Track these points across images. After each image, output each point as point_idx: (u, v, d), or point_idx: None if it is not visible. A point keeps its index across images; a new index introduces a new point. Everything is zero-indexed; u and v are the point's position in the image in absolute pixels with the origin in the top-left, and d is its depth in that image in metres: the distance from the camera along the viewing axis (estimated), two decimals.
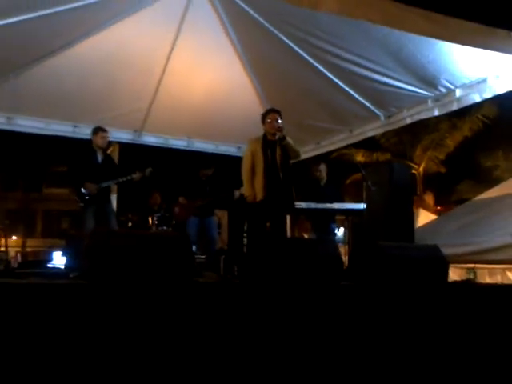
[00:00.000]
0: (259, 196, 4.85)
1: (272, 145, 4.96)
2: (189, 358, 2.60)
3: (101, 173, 5.71)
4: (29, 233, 31.41)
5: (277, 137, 4.93)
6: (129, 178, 5.78)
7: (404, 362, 3.25)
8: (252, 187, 4.90)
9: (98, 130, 5.83)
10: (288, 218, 7.76)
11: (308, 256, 3.49)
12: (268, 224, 4.84)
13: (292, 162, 7.98)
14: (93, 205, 5.57)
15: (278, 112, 5.04)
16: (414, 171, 16.95)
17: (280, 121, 4.93)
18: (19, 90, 6.27)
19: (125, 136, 7.68)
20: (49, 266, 7.74)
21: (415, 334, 3.38)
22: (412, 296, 3.49)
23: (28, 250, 25.02)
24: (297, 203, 5.28)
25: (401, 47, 5.20)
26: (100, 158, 5.83)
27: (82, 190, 5.55)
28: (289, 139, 4.96)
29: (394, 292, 3.44)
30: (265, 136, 5.02)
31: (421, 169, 17.89)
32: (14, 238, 30.52)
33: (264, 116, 5.04)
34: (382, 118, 6.62)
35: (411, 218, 6.13)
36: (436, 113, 6.01)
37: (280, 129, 4.87)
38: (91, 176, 5.62)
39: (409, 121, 6.38)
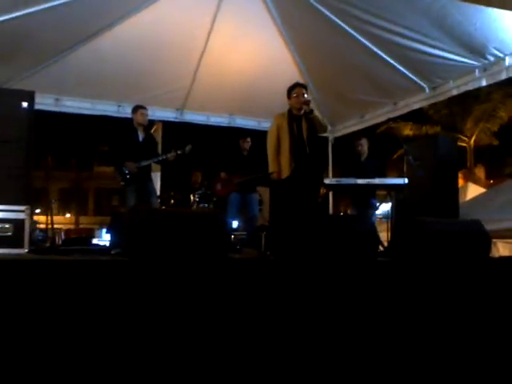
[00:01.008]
0: (285, 173, 4.78)
1: (298, 119, 4.89)
2: (222, 332, 2.67)
3: (141, 151, 5.82)
4: (82, 210, 32.60)
5: (302, 111, 4.86)
6: (164, 157, 5.87)
7: (445, 340, 3.22)
8: (278, 164, 4.86)
9: (137, 107, 5.92)
10: (330, 194, 7.78)
11: (343, 232, 3.48)
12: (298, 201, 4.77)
13: (332, 137, 7.93)
14: (134, 183, 5.69)
15: (303, 86, 4.96)
16: (464, 144, 16.46)
17: (306, 95, 4.86)
18: (65, 72, 6.45)
19: (168, 115, 7.80)
20: (92, 243, 8.03)
21: (455, 311, 3.33)
22: (451, 272, 3.43)
23: (81, 226, 25.95)
24: (336, 179, 5.23)
25: (445, 15, 5.03)
26: (141, 136, 5.93)
27: (123, 169, 5.69)
28: (316, 113, 4.89)
29: (432, 268, 3.40)
30: (290, 111, 4.94)
31: (472, 141, 17.33)
32: (68, 215, 31.77)
33: (290, 90, 4.95)
34: (427, 89, 6.43)
35: (456, 193, 5.98)
36: (484, 83, 5.78)
37: (307, 102, 4.79)
38: (132, 155, 5.73)
39: (455, 92, 6.17)
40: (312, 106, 4.89)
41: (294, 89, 4.91)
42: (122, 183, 5.70)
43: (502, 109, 16.53)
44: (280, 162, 4.84)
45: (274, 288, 2.87)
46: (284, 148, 4.84)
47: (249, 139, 6.62)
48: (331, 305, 2.98)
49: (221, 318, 2.71)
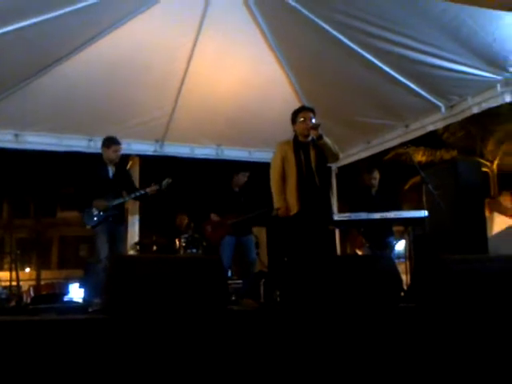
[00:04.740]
0: (294, 209, 4.81)
1: (305, 147, 4.97)
2: None
3: (112, 189, 5.82)
4: (43, 264, 32.14)
5: (310, 138, 4.94)
6: (142, 192, 5.86)
7: None
8: (284, 199, 4.88)
9: (110, 142, 5.89)
10: (337, 232, 7.79)
11: (360, 275, 3.48)
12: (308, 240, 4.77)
13: (335, 166, 7.96)
14: (105, 227, 5.68)
15: (311, 110, 5.06)
16: (485, 169, 16.60)
17: (314, 120, 4.94)
18: (27, 104, 6.48)
19: (145, 148, 7.84)
20: (65, 300, 7.93)
21: (489, 363, 3.32)
22: (485, 317, 3.43)
23: (42, 283, 25.58)
24: (346, 214, 5.27)
25: (460, 25, 5.12)
26: (112, 172, 5.92)
27: (91, 210, 5.67)
28: (326, 138, 4.94)
29: (462, 314, 3.40)
30: (296, 138, 5.03)
31: (494, 166, 17.49)
32: (27, 270, 31.32)
33: (295, 115, 5.04)
34: (443, 109, 6.53)
35: (483, 225, 6.02)
36: (507, 99, 5.87)
37: (315, 127, 4.86)
38: (101, 194, 5.72)
39: (475, 110, 6.26)
40: (321, 130, 4.92)
41: (300, 112, 5.00)
42: (88, 226, 5.67)
43: None
44: (286, 197, 4.86)
45: (284, 344, 2.85)
46: (290, 181, 4.89)
47: (247, 174, 6.63)
48: (348, 360, 2.96)
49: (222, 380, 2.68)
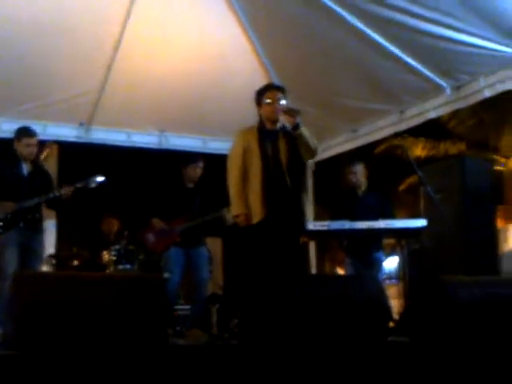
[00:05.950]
0: (257, 215, 4.76)
1: (273, 136, 4.93)
2: None
3: (26, 189, 5.75)
4: None
5: (279, 125, 4.93)
6: (53, 194, 5.76)
7: None
8: (244, 203, 4.85)
9: (20, 134, 5.85)
10: (312, 245, 7.82)
11: (339, 300, 3.52)
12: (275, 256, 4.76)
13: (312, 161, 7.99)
14: (14, 235, 5.62)
15: (280, 89, 5.05)
16: (500, 168, 16.88)
17: (284, 101, 4.93)
18: None
19: (66, 132, 7.77)
20: None
21: None
22: (497, 358, 3.50)
23: None
24: (324, 223, 5.29)
25: None
26: (26, 169, 5.88)
27: None
28: (304, 130, 4.93)
29: (468, 352, 3.45)
30: (261, 124, 5.01)
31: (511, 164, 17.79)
32: None
33: (260, 95, 4.97)
34: (448, 90, 6.58)
35: (493, 238, 6.14)
36: None
37: (293, 114, 4.84)
38: (12, 194, 5.67)
39: (488, 94, 6.33)
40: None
41: (266, 92, 4.97)
42: None
43: None
44: (248, 201, 4.86)
45: None
46: (254, 180, 4.84)
47: (200, 164, 6.56)
48: None
49: None
